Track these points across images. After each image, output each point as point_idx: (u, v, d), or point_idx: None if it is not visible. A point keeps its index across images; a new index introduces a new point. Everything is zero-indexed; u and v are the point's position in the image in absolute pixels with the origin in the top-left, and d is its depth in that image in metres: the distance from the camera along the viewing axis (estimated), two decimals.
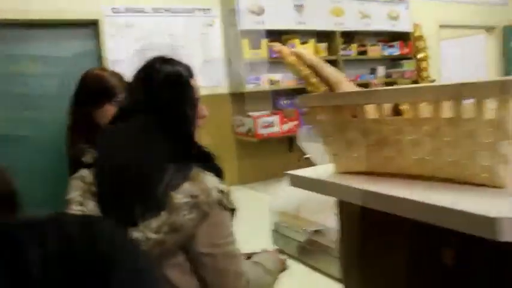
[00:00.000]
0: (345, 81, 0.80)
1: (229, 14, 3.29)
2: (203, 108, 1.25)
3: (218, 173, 1.17)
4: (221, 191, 1.11)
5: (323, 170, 0.89)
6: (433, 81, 4.51)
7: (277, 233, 1.82)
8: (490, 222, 0.52)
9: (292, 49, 0.82)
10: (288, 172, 0.93)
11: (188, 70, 1.20)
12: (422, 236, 0.72)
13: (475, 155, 0.65)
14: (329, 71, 0.81)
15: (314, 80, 0.82)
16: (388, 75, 4.26)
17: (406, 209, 0.64)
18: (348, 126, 0.78)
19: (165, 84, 1.14)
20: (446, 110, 0.70)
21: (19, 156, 2.78)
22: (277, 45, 0.83)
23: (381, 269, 0.84)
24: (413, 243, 0.75)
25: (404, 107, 0.79)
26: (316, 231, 1.61)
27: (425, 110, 0.75)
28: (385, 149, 0.75)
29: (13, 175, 0.55)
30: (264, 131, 3.18)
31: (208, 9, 3.30)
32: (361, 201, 0.73)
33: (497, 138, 0.62)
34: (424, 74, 4.43)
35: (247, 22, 3.24)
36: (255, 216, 1.75)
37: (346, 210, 0.92)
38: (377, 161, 0.77)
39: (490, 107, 0.63)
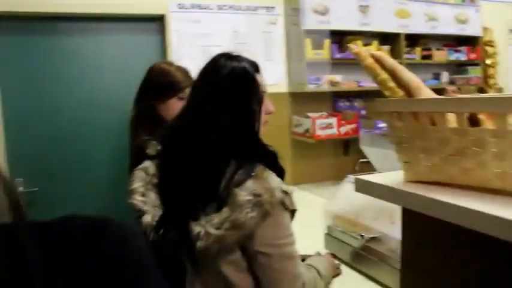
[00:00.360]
0: (424, 87, 0.77)
1: (293, 12, 3.28)
2: (269, 104, 1.25)
3: (281, 173, 1.17)
4: (284, 192, 1.10)
5: (390, 177, 0.86)
6: (500, 89, 4.29)
7: (331, 236, 1.79)
8: None
9: (372, 52, 0.80)
10: (355, 176, 0.91)
11: (254, 65, 1.20)
12: (494, 252, 0.68)
13: None
14: (410, 75, 0.78)
15: (392, 84, 0.79)
16: (452, 81, 4.10)
17: (483, 224, 0.61)
18: (425, 134, 0.75)
19: (230, 79, 1.14)
20: None
21: (83, 150, 2.87)
22: (354, 47, 0.81)
23: (444, 284, 0.81)
24: (484, 260, 0.72)
25: (482, 116, 0.75)
26: (373, 238, 1.57)
27: (510, 119, 0.71)
28: (463, 160, 0.71)
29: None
30: (321, 133, 3.14)
31: (272, 7, 3.31)
32: (432, 212, 0.71)
33: None
34: (491, 81, 4.23)
35: (311, 21, 3.21)
36: (307, 218, 1.73)
37: (411, 219, 0.89)
38: (453, 172, 0.74)
39: None
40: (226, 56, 1.18)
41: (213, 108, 1.13)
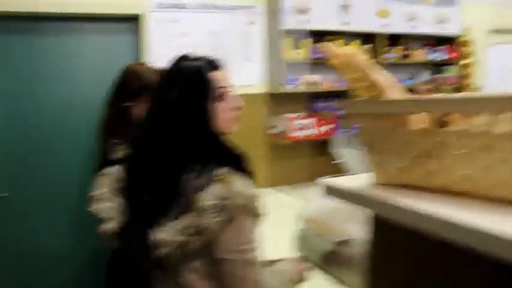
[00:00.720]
0: (394, 88, 0.74)
1: (273, 12, 3.25)
2: (236, 100, 1.21)
3: (249, 175, 1.14)
4: (250, 195, 1.07)
5: (360, 180, 0.84)
6: (476, 89, 4.33)
7: (303, 239, 1.77)
8: None
9: (340, 50, 0.77)
10: (322, 180, 0.88)
11: (211, 63, 1.17)
12: (467, 262, 0.66)
13: None
14: (377, 75, 0.76)
15: (362, 84, 0.77)
16: (430, 81, 4.12)
17: (446, 230, 0.59)
18: (392, 136, 0.73)
19: (182, 79, 1.13)
20: (502, 122, 0.64)
21: (55, 153, 2.80)
22: (324, 45, 0.78)
23: None
24: (450, 270, 0.69)
25: (449, 117, 0.73)
26: (343, 241, 1.54)
27: (476, 121, 0.69)
28: (429, 162, 0.69)
29: None
30: (298, 133, 3.13)
31: (251, 7, 3.27)
32: (396, 217, 0.69)
33: None
34: (467, 81, 4.27)
35: (291, 21, 3.18)
36: (282, 220, 1.71)
37: (378, 224, 0.87)
38: (420, 175, 0.72)
39: None
40: (184, 58, 1.16)
41: (166, 111, 1.11)
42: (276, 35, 3.24)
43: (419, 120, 0.75)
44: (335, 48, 0.80)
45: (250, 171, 1.14)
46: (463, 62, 4.20)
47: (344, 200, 0.83)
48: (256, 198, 1.11)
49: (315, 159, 3.52)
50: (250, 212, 1.08)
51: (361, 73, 0.79)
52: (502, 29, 4.66)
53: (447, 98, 0.66)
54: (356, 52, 0.81)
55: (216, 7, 3.15)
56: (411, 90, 3.73)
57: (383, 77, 0.80)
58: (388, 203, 0.69)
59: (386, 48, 3.71)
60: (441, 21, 4.00)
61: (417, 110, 0.70)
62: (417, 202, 0.66)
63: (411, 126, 0.72)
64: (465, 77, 4.24)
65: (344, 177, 0.89)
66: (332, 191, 0.86)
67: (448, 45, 4.13)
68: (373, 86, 0.78)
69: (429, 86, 3.87)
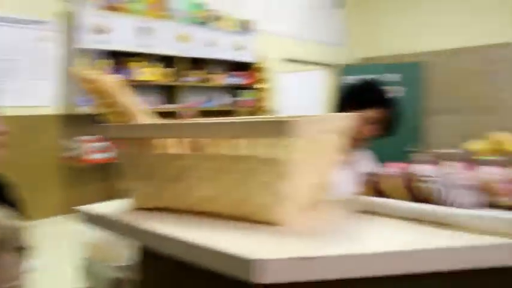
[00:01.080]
0: (142, 114, 0.76)
1: (69, 29, 3.08)
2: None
3: (13, 206, 1.04)
4: (9, 228, 0.97)
5: (119, 206, 0.83)
6: (269, 111, 4.75)
7: (88, 268, 1.69)
8: (245, 263, 0.53)
9: (89, 75, 0.76)
10: (78, 208, 0.85)
11: None
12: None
13: (253, 193, 0.66)
14: (124, 101, 0.77)
15: (112, 109, 0.77)
16: (227, 104, 4.40)
17: (172, 247, 0.63)
18: (139, 161, 0.75)
19: None
20: (232, 147, 0.71)
21: None
22: (73, 69, 0.76)
23: None
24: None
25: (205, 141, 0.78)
26: (127, 267, 1.52)
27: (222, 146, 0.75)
28: (175, 185, 0.72)
29: None
30: (95, 156, 2.99)
31: (44, 21, 3.04)
32: (140, 241, 0.71)
33: (273, 177, 0.64)
34: (261, 104, 4.67)
35: (88, 40, 3.05)
36: (68, 250, 1.60)
37: (142, 248, 0.87)
38: (169, 197, 0.75)
39: (269, 145, 0.64)
40: None
41: None
42: (70, 54, 3.07)
43: (176, 145, 0.78)
44: (86, 73, 0.78)
45: (16, 201, 1.04)
46: (258, 86, 4.59)
47: (99, 227, 0.82)
48: (17, 230, 1.01)
49: (113, 182, 3.39)
50: (10, 245, 0.98)
51: (112, 98, 0.80)
52: (293, 59, 5.24)
53: (189, 124, 0.70)
54: (107, 77, 0.81)
55: (2, 19, 2.85)
56: (163, 114, 3.89)
57: (133, 103, 0.81)
58: (131, 227, 0.70)
59: (187, 72, 3.85)
60: (238, 48, 4.31)
61: (160, 134, 0.73)
62: (154, 225, 0.68)
63: (158, 151, 0.75)
64: (260, 100, 4.64)
65: (104, 203, 0.88)
66: (89, 218, 0.84)
67: (245, 71, 4.46)
68: (123, 111, 0.79)
69: (189, 112, 4.02)
